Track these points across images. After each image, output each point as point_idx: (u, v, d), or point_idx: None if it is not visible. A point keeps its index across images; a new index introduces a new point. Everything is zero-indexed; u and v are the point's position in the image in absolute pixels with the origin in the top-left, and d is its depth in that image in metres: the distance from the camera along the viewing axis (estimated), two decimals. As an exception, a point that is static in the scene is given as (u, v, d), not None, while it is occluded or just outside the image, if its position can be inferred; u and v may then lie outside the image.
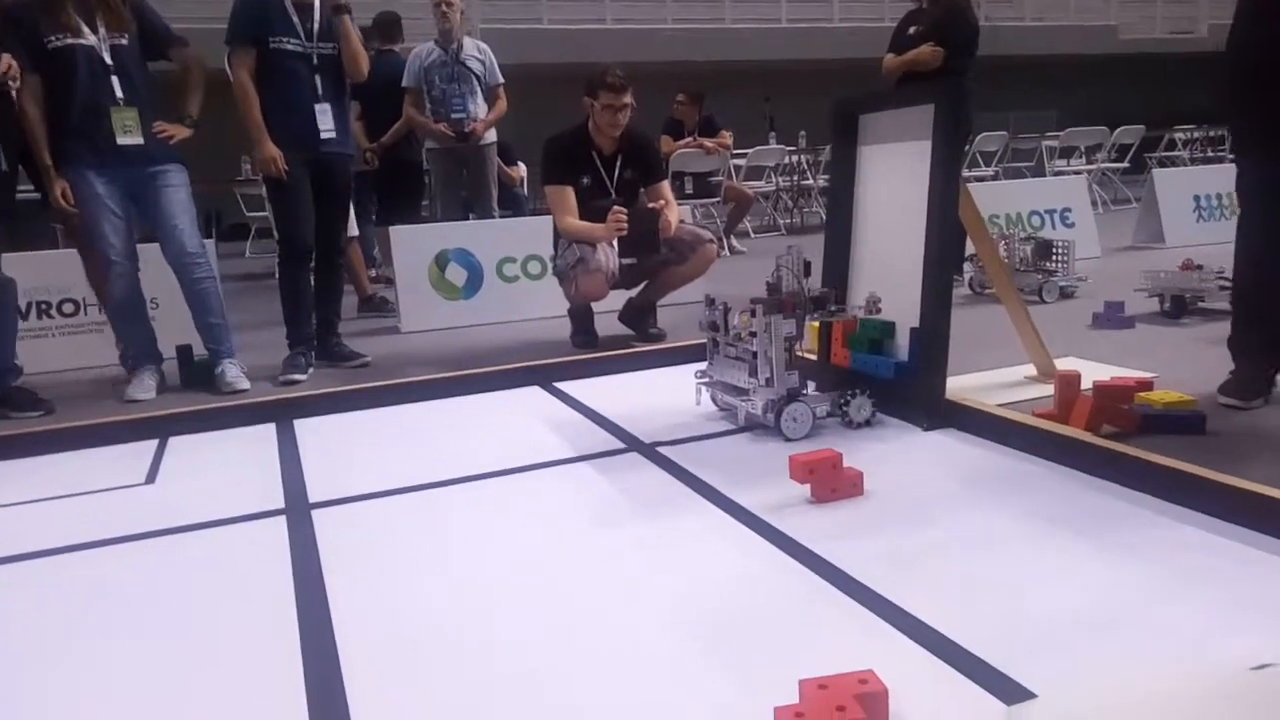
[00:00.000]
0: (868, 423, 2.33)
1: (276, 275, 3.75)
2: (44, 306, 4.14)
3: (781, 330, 2.26)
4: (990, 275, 2.92)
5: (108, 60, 3.22)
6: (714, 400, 2.57)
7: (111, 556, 1.82)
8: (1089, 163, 9.85)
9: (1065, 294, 4.26)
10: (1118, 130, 9.73)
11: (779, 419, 2.25)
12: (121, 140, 3.23)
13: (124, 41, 3.26)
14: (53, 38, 3.15)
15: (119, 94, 3.23)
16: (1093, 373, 2.57)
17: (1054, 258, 4.33)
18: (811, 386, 2.66)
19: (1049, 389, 2.55)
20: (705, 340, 2.56)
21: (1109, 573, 1.48)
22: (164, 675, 1.34)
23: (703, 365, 2.59)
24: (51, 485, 2.29)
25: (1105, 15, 16.51)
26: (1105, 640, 1.27)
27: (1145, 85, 15.74)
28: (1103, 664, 1.22)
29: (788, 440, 2.24)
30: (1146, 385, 2.37)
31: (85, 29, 3.19)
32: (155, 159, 3.30)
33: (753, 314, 2.27)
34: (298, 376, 3.46)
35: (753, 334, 2.28)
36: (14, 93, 3.13)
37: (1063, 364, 2.74)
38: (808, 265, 2.35)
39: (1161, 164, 9.92)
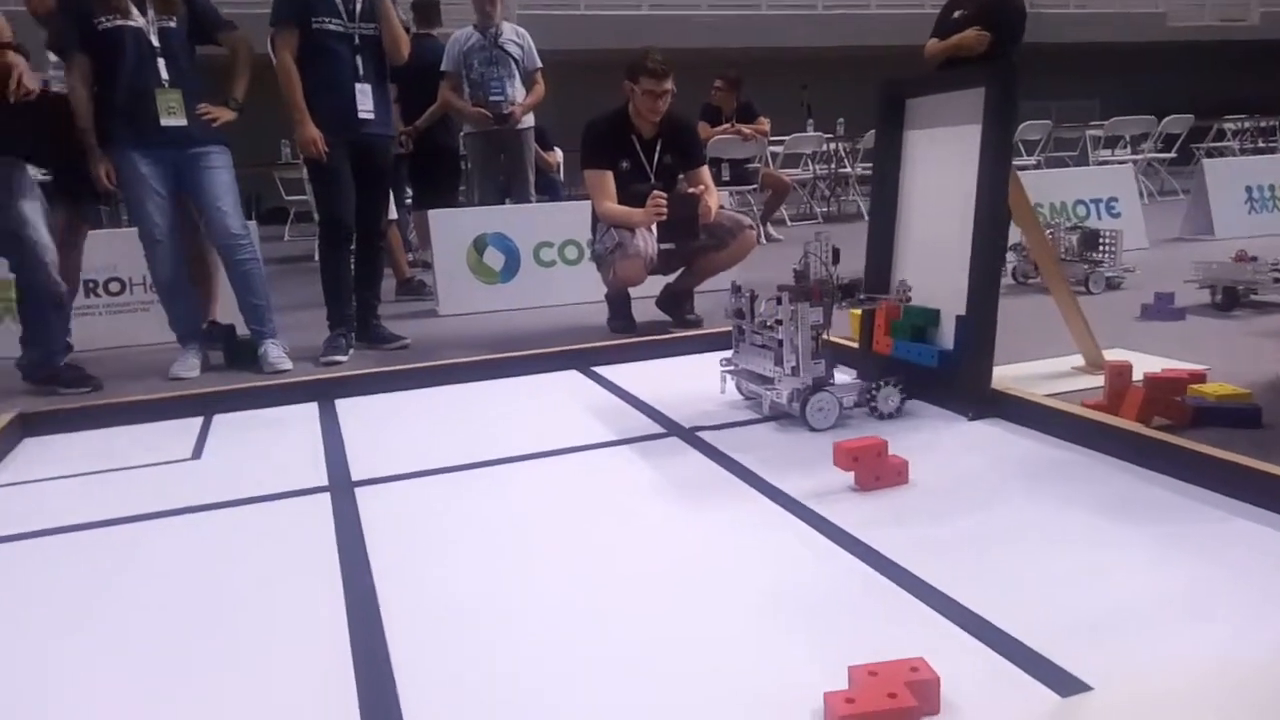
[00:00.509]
0: (895, 413, 2.29)
1: (317, 257, 3.78)
2: (91, 285, 4.22)
3: (808, 318, 2.22)
4: (1039, 264, 2.88)
5: (155, 43, 3.25)
6: (739, 389, 2.55)
7: (161, 529, 1.85)
8: (1134, 153, 9.64)
9: (1112, 285, 4.18)
10: (1165, 120, 9.52)
11: (804, 408, 2.22)
12: (165, 121, 3.27)
13: (172, 24, 3.29)
14: (103, 19, 3.19)
15: (164, 76, 3.26)
16: (1142, 364, 2.52)
17: (1101, 248, 4.25)
18: (853, 374, 2.64)
19: (1097, 380, 2.51)
20: (730, 328, 2.53)
21: (1162, 565, 1.45)
22: (213, 643, 1.36)
23: (729, 353, 2.56)
24: (101, 459, 2.33)
25: (1153, 2, 16.15)
26: (1157, 632, 1.25)
27: (1194, 74, 15.40)
28: (1155, 656, 1.19)
29: (815, 430, 2.21)
30: (1199, 377, 2.32)
31: (134, 11, 3.23)
32: (198, 140, 3.34)
33: (778, 301, 2.24)
34: (339, 358, 3.49)
35: (779, 321, 2.25)
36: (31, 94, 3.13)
37: (1111, 355, 2.69)
38: (836, 252, 2.31)
39: (1210, 154, 9.69)
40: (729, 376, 2.53)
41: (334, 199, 3.60)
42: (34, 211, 3.25)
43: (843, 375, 2.74)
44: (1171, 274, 4.01)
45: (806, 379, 2.24)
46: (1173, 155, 9.68)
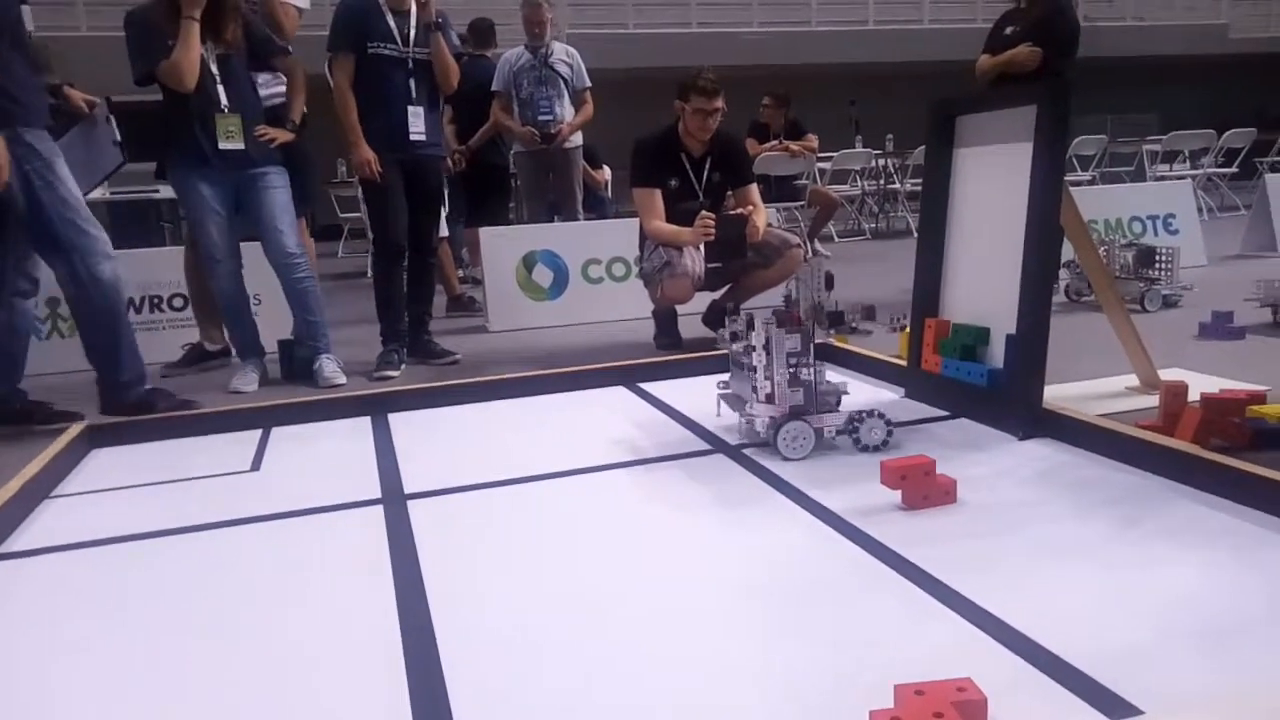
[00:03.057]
0: (882, 446, 2.18)
1: (370, 274, 3.86)
2: (155, 300, 4.37)
3: (784, 345, 2.15)
4: (1092, 281, 2.84)
5: (214, 71, 3.38)
6: (736, 412, 2.45)
7: (222, 538, 1.91)
8: (1193, 167, 9.43)
9: (1168, 303, 4.09)
10: (1226, 134, 9.29)
11: (776, 436, 2.16)
12: (224, 145, 3.39)
13: (231, 53, 3.42)
14: (171, 44, 3.32)
15: (223, 102, 3.39)
16: (1199, 384, 2.47)
17: (1157, 265, 4.16)
18: (900, 393, 2.62)
19: (1152, 400, 2.46)
20: (726, 351, 2.47)
21: (1217, 589, 1.42)
22: (271, 649, 1.40)
23: (727, 376, 2.51)
24: (165, 470, 2.41)
25: (1215, 14, 15.78)
26: (1211, 658, 1.23)
27: (1257, 87, 15.00)
28: (1209, 683, 1.17)
29: (789, 460, 2.15)
30: (1259, 398, 2.26)
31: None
32: (256, 162, 3.46)
33: (749, 325, 2.16)
34: (391, 373, 3.57)
35: (750, 348, 2.18)
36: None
37: (1167, 375, 2.64)
38: (829, 278, 2.26)
39: (1273, 169, 9.43)
40: (723, 401, 2.46)
41: (387, 218, 3.69)
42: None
43: (885, 392, 2.73)
44: (1231, 292, 3.91)
45: (783, 406, 2.17)
46: (1234, 170, 9.44)
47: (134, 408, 2.98)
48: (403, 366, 3.67)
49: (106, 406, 3.05)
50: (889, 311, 3.89)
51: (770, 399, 2.18)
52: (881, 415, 2.22)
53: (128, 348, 3.06)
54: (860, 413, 2.20)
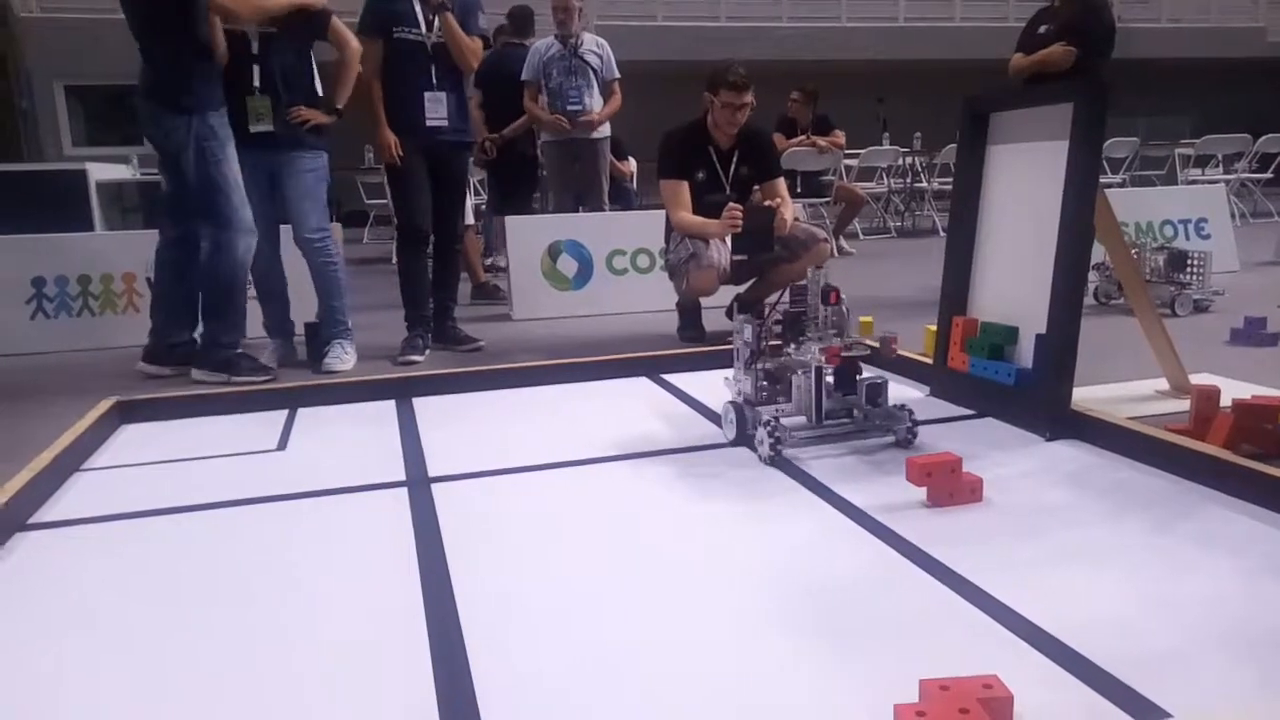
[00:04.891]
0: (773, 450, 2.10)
1: (395, 260, 3.88)
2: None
3: (745, 334, 2.21)
4: (1124, 284, 2.81)
5: (254, 49, 3.38)
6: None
7: (248, 515, 1.93)
8: (1226, 172, 9.29)
9: (1199, 308, 4.05)
10: (1261, 139, 9.14)
11: (722, 420, 2.27)
12: (254, 128, 3.39)
13: (273, 30, 3.41)
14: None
15: (255, 83, 3.39)
16: (1231, 390, 2.44)
17: (1188, 269, 4.11)
18: (925, 392, 2.60)
19: (1182, 404, 2.43)
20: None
21: (1246, 595, 1.41)
22: (297, 624, 1.42)
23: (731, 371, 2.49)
24: (193, 447, 2.43)
25: (1252, 16, 15.52)
26: (1240, 664, 1.21)
27: (1294, 91, 14.76)
28: (1238, 690, 1.16)
29: (885, 444, 2.18)
30: (1292, 405, 2.23)
31: None
32: (285, 145, 3.46)
33: (728, 314, 2.21)
34: (415, 358, 3.58)
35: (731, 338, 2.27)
36: None
37: (1197, 379, 2.61)
38: (827, 292, 2.20)
39: (1309, 175, 9.28)
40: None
41: (410, 203, 3.70)
42: None
43: (908, 389, 2.72)
44: (1264, 298, 3.86)
45: (738, 396, 2.25)
46: (1269, 175, 9.29)
47: (183, 359, 3.44)
48: (427, 352, 3.69)
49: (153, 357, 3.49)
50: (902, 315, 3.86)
51: (741, 394, 2.27)
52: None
53: (234, 314, 3.39)
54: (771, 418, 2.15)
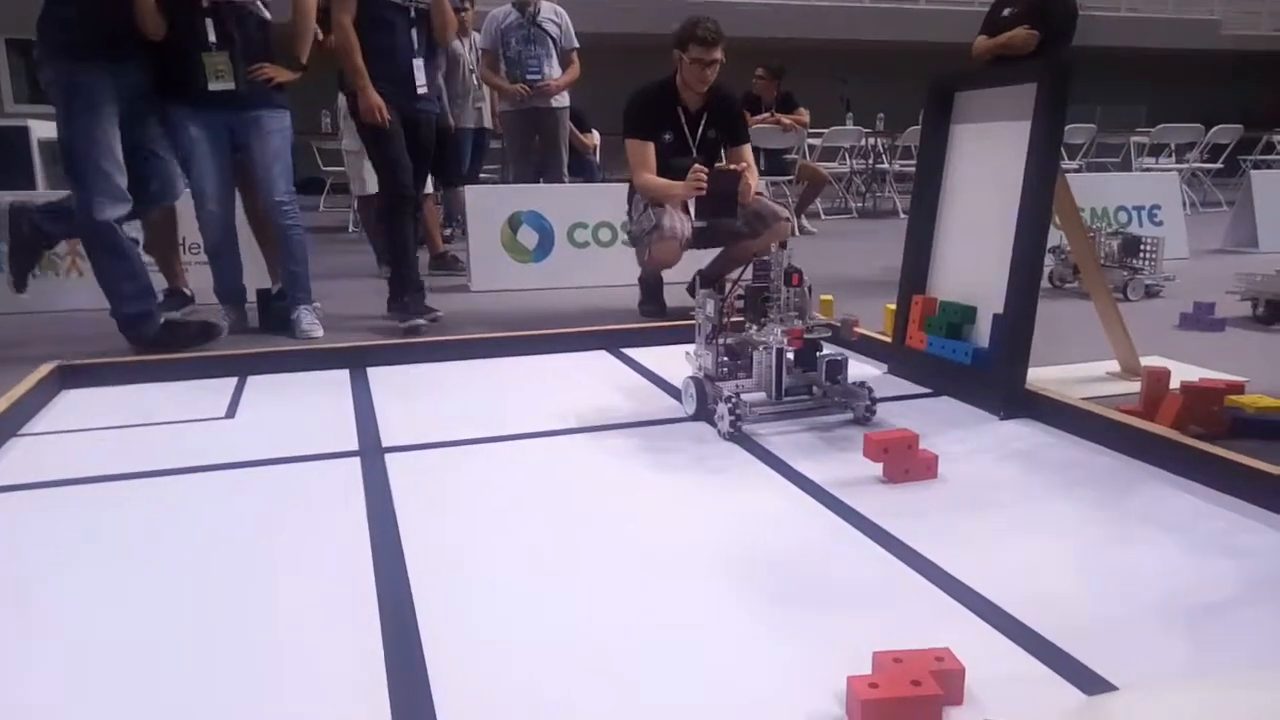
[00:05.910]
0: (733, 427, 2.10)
1: (353, 226, 3.77)
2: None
3: (707, 308, 2.23)
4: (1080, 266, 2.84)
5: (204, 3, 3.23)
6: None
7: (193, 484, 1.88)
8: (1179, 161, 9.47)
9: (1150, 293, 4.12)
10: (1213, 129, 9.34)
11: (683, 395, 2.28)
12: (213, 86, 3.23)
13: None
14: None
15: (211, 38, 3.24)
16: (1180, 373, 2.49)
17: (1141, 254, 4.18)
18: (884, 369, 2.62)
19: (1133, 386, 2.47)
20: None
21: (1191, 571, 1.43)
22: (242, 597, 1.38)
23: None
24: (137, 414, 2.36)
25: (1208, 9, 15.80)
26: (1183, 637, 1.24)
27: (1246, 84, 15.08)
28: (1181, 661, 1.18)
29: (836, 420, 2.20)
30: (1237, 388, 2.28)
31: None
32: (251, 103, 3.33)
33: (690, 290, 2.22)
34: (419, 321, 3.48)
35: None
36: None
37: (1147, 362, 2.65)
38: (790, 274, 2.21)
39: (1258, 166, 9.49)
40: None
41: (397, 166, 3.56)
42: None
43: (867, 367, 2.73)
44: (1212, 285, 3.94)
45: (699, 371, 2.27)
46: (1219, 166, 9.50)
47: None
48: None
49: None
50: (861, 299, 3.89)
51: (701, 368, 2.28)
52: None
53: (108, 283, 3.17)
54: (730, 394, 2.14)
